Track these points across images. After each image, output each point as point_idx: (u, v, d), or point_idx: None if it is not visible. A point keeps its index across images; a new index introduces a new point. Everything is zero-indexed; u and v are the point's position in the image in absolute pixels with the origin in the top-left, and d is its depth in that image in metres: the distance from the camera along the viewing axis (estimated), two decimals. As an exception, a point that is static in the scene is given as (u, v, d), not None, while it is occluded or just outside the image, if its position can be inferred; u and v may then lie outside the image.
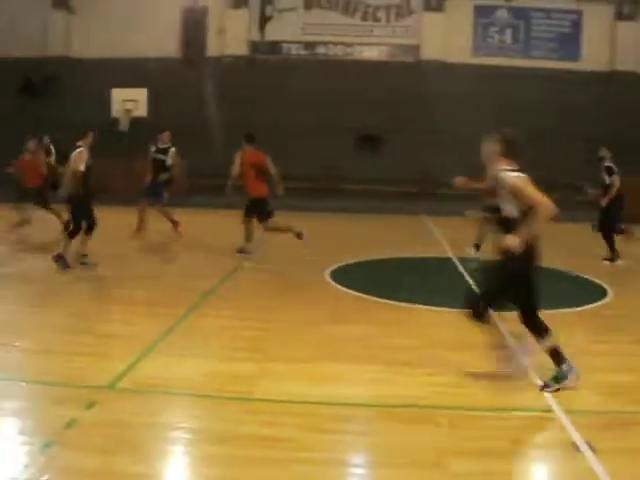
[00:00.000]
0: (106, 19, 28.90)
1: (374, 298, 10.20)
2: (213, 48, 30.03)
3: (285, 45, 30.62)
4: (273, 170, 13.06)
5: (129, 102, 25.03)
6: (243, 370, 7.06)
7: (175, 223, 15.51)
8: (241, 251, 13.35)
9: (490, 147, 6.64)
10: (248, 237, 13.42)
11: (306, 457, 5.25)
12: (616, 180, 13.70)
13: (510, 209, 6.51)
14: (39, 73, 28.16)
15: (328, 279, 11.37)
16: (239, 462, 5.16)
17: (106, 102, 24.96)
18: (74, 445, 5.38)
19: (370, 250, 14.28)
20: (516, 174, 6.49)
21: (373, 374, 7.02)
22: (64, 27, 30.20)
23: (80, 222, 11.82)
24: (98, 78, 26.20)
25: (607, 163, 13.89)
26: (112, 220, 15.63)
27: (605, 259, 13.98)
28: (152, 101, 24.99)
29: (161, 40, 28.65)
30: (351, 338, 8.20)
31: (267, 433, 5.61)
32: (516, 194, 6.41)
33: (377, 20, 30.81)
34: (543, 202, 6.23)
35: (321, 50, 30.67)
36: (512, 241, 6.22)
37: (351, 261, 13.12)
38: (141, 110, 24.92)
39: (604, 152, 14.08)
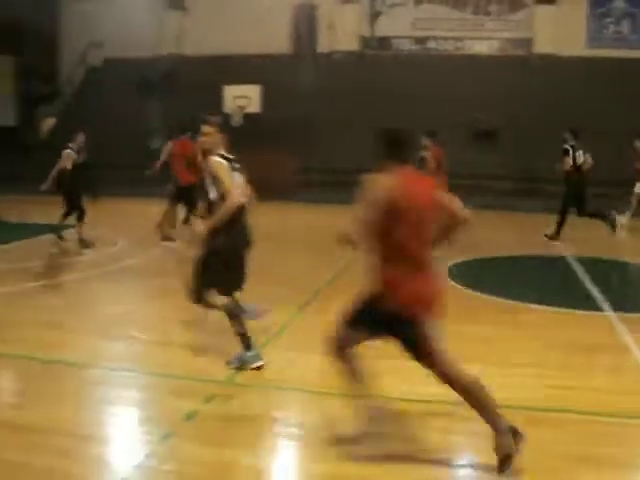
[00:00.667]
0: (218, 17, 29.33)
1: (491, 297, 10.06)
2: (323, 44, 30.16)
3: (395, 40, 30.50)
4: None
5: (241, 98, 25.36)
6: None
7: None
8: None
9: None
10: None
11: (427, 458, 5.24)
12: (568, 162, 14.67)
13: (211, 193, 6.81)
14: (154, 72, 28.84)
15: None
16: (353, 459, 5.18)
17: (219, 99, 25.36)
18: (193, 437, 5.52)
19: (484, 248, 14.09)
20: (219, 159, 6.74)
21: (493, 376, 6.91)
22: (177, 26, 30.82)
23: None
24: (211, 75, 26.65)
25: (565, 145, 14.88)
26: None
27: (547, 235, 15.03)
28: (264, 97, 25.26)
29: (272, 36, 28.93)
30: (471, 338, 8.09)
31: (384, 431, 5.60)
32: (214, 179, 6.72)
33: (488, 14, 30.40)
34: (230, 192, 6.49)
35: (431, 45, 30.44)
36: (199, 227, 6.30)
37: (465, 259, 12.95)
38: (254, 106, 25.22)
39: (567, 135, 15.01)
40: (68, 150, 14.09)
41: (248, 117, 25.26)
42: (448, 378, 5.19)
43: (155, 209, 16.17)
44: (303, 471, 5.14)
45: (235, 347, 7.27)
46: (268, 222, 15.59)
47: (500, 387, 6.57)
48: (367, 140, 17.61)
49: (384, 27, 30.48)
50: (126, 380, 6.85)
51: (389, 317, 5.10)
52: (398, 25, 30.31)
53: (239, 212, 6.93)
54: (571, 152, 14.80)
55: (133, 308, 9.67)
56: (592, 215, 15.01)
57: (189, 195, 13.77)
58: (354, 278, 11.10)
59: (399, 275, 5.10)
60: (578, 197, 14.86)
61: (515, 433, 4.98)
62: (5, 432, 5.66)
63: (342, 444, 5.37)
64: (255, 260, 12.34)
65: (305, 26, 30.38)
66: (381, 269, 5.20)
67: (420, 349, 5.17)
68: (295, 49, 30.40)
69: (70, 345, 7.84)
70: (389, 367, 6.41)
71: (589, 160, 14.96)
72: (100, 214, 18.21)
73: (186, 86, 27.49)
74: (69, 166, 13.93)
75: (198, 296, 7.04)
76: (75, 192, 13.90)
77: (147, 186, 17.79)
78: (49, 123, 30.20)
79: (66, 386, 6.64)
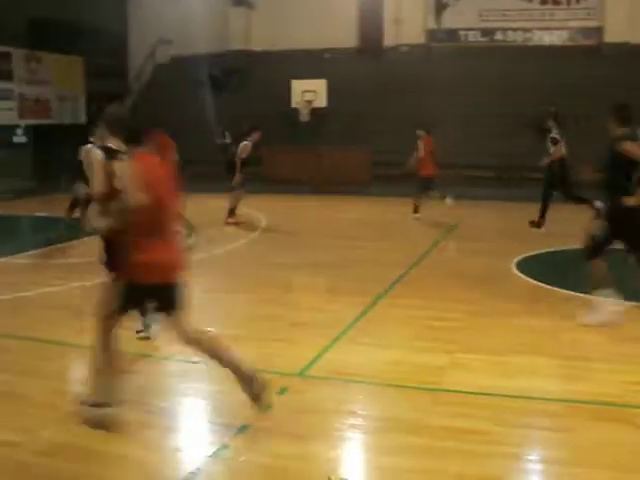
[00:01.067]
0: (284, 12, 29.42)
1: (562, 290, 9.90)
2: (390, 37, 30.02)
3: (462, 32, 30.21)
4: None
5: (309, 93, 25.41)
6: (432, 360, 7.03)
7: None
8: None
9: None
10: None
11: (498, 451, 5.18)
12: (559, 150, 14.71)
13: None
14: (223, 68, 29.07)
15: (514, 270, 11.12)
16: (430, 453, 5.16)
17: (286, 93, 25.45)
18: (268, 429, 5.55)
19: (554, 240, 13.87)
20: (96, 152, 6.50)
21: (564, 369, 6.81)
22: (244, 22, 31.00)
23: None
24: (278, 70, 26.77)
25: (553, 134, 14.89)
26: (300, 208, 16.07)
27: (531, 223, 14.96)
28: (330, 91, 25.26)
29: (338, 31, 28.89)
30: (541, 331, 7.99)
31: (458, 425, 5.57)
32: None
33: (557, 3, 29.88)
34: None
35: (499, 36, 30.06)
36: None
37: (536, 251, 12.75)
38: (321, 100, 25.25)
39: (550, 122, 15.15)
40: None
41: (315, 111, 25.29)
42: (189, 337, 5.85)
43: (223, 204, 16.39)
44: (384, 465, 5.11)
45: (305, 341, 7.32)
46: (340, 215, 15.68)
47: (566, 379, 6.51)
48: (441, 132, 17.49)
49: (450, 19, 30.18)
50: (200, 372, 6.90)
51: (149, 287, 5.61)
52: (465, 17, 29.97)
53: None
54: (559, 141, 14.92)
55: (204, 301, 9.71)
56: (579, 199, 14.66)
57: None
58: (426, 271, 11.15)
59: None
60: (563, 181, 14.83)
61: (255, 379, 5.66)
62: (79, 419, 5.77)
63: (421, 437, 5.36)
64: (330, 253, 12.43)
65: (371, 20, 30.26)
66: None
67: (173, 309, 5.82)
68: (361, 43, 30.32)
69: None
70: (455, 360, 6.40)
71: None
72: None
73: (253, 82, 27.66)
74: None
75: None
76: None
77: (214, 181, 17.97)
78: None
79: (143, 377, 6.75)
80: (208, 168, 21.91)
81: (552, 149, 14.95)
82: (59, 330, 8.26)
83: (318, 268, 11.55)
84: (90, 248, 13.37)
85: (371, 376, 6.63)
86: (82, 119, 28.07)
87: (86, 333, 7.91)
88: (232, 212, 16.15)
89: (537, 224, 14.99)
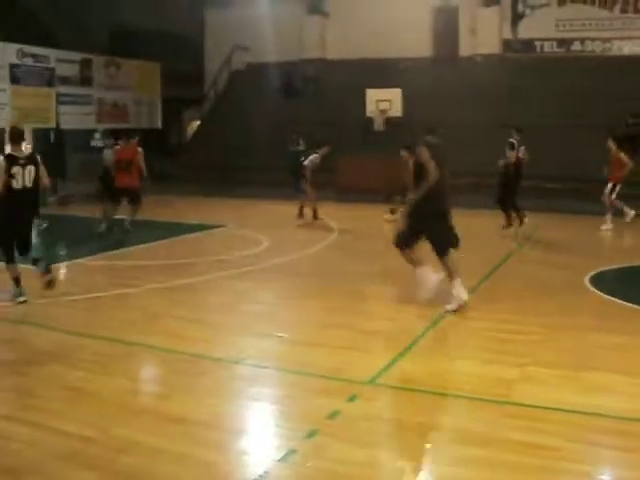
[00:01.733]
0: (358, 21, 29.44)
1: (636, 306, 9.65)
2: (465, 47, 29.82)
3: (538, 42, 29.84)
4: None
5: (383, 102, 25.38)
6: (503, 373, 6.94)
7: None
8: None
9: None
10: None
11: (568, 468, 5.08)
12: (513, 155, 15.55)
13: None
14: (298, 75, 29.26)
15: (587, 284, 10.92)
16: (498, 466, 5.08)
17: (361, 102, 25.47)
18: (337, 436, 5.55)
19: (628, 255, 13.60)
20: None
21: (624, 385, 6.68)
22: (319, 30, 31.15)
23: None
24: (352, 79, 26.78)
25: (511, 140, 15.80)
26: (373, 217, 16.08)
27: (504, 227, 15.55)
28: (405, 101, 25.20)
29: (413, 40, 28.77)
30: (615, 347, 7.81)
31: (527, 439, 5.47)
32: None
33: (638, 12, 29.28)
34: None
35: (577, 47, 29.61)
36: None
37: (611, 266, 12.49)
38: (395, 110, 25.20)
39: (513, 132, 16.08)
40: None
41: (389, 121, 25.27)
42: None
43: (306, 211, 16.50)
44: (452, 476, 5.07)
45: (376, 349, 7.32)
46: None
47: (631, 397, 6.36)
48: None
49: (526, 29, 29.82)
50: (269, 377, 6.97)
51: None
52: (541, 27, 29.57)
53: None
54: (516, 146, 15.71)
55: (275, 308, 9.83)
56: (518, 210, 15.55)
57: None
58: (499, 283, 11.02)
59: None
60: (513, 189, 15.52)
61: None
62: (150, 418, 5.92)
63: (490, 450, 5.31)
64: (402, 262, 12.33)
65: (446, 29, 30.11)
66: None
67: None
68: (436, 53, 30.18)
69: (214, 341, 8.09)
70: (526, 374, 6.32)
71: (526, 156, 16.01)
72: (244, 215, 18.67)
73: (328, 90, 27.77)
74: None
75: None
76: None
77: (287, 188, 18.10)
78: (194, 126, 31.11)
79: (211, 380, 6.82)
80: (282, 175, 22.06)
81: (508, 153, 15.68)
82: (132, 330, 8.42)
83: (390, 277, 11.50)
84: (161, 251, 13.79)
85: (441, 387, 6.60)
86: (158, 124, 28.54)
87: (157, 335, 8.16)
88: (315, 213, 16.77)
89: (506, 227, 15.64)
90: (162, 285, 10.68)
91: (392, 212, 16.72)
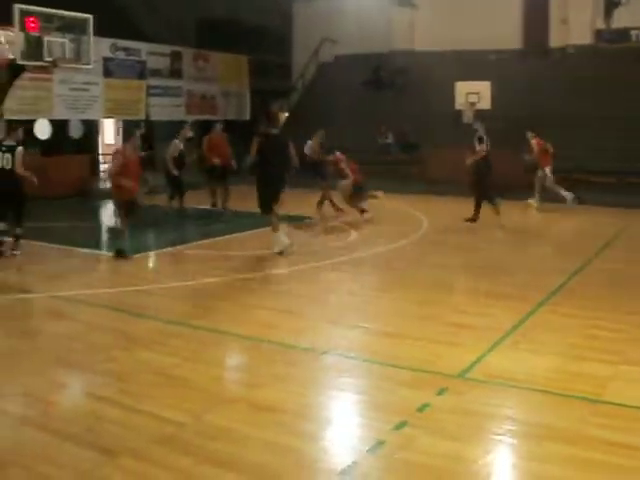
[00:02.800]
0: (447, 12, 29.17)
1: None
2: (556, 38, 29.27)
3: (634, 32, 29.09)
4: None
5: (473, 94, 25.13)
6: (593, 370, 6.82)
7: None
8: None
9: None
10: None
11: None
12: (483, 148, 15.80)
13: None
14: (386, 68, 29.19)
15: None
16: (582, 465, 5.02)
17: (449, 94, 25.27)
18: (426, 428, 5.56)
19: None
20: None
21: None
22: (408, 22, 30.99)
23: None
24: (441, 71, 26.59)
25: (479, 134, 16.46)
26: (461, 210, 15.99)
27: (467, 219, 15.60)
28: (495, 93, 24.90)
29: (502, 32, 28.37)
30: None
31: (616, 438, 5.39)
32: None
33: None
34: None
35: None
36: None
37: None
38: (484, 102, 24.91)
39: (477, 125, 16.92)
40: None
41: (478, 113, 24.98)
42: None
43: (387, 203, 16.48)
44: (534, 472, 5.02)
45: (465, 343, 7.29)
46: (501, 219, 15.46)
47: None
48: (606, 135, 17.03)
49: (621, 18, 29.10)
50: (358, 368, 7.00)
51: None
52: (636, 16, 28.84)
53: None
54: (485, 139, 16.07)
55: (365, 299, 9.87)
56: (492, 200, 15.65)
57: None
58: (589, 279, 10.83)
59: None
60: (486, 182, 15.71)
61: None
62: (240, 406, 6.02)
63: (575, 448, 5.25)
64: (490, 256, 12.28)
65: (536, 20, 29.62)
66: None
67: None
68: (526, 44, 29.72)
69: (305, 331, 8.15)
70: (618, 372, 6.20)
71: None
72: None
73: (417, 82, 27.63)
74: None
75: None
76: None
77: (375, 180, 18.05)
78: (282, 118, 31.30)
79: (301, 370, 6.91)
80: (369, 167, 22.05)
81: (478, 147, 15.94)
82: (223, 319, 8.57)
83: (478, 271, 11.45)
84: (252, 242, 13.95)
85: (530, 382, 6.52)
86: (247, 115, 28.82)
87: (249, 324, 8.28)
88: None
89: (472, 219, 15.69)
90: (253, 275, 10.85)
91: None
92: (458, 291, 10.49)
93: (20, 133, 13.30)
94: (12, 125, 13.54)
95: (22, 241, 12.67)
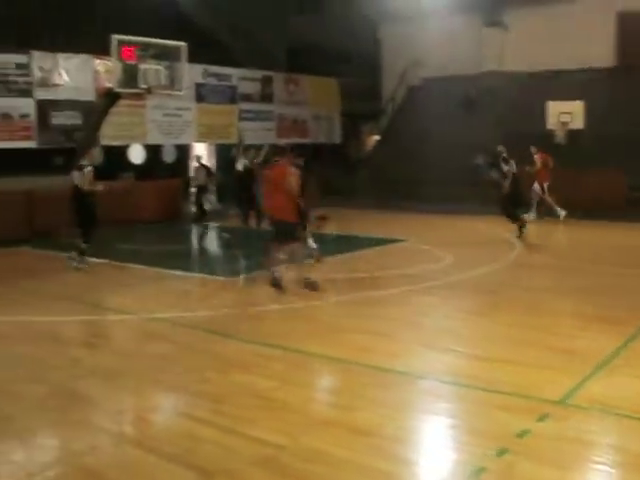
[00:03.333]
0: (538, 32, 28.75)
1: None
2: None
3: None
4: None
5: (565, 114, 24.73)
6: None
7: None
8: None
9: None
10: None
11: None
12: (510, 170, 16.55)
13: None
14: (476, 89, 28.97)
15: None
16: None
17: (541, 115, 24.91)
18: (527, 455, 5.42)
19: None
20: None
21: None
22: (498, 43, 30.69)
23: None
24: (532, 91, 26.29)
25: (504, 155, 16.93)
26: (555, 231, 15.72)
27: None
28: (587, 113, 24.45)
29: (595, 50, 27.82)
30: None
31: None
32: None
33: None
34: None
35: None
36: None
37: None
38: (577, 122, 24.47)
39: (500, 148, 17.34)
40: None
41: (571, 133, 24.59)
42: None
43: (480, 225, 16.27)
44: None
45: (565, 367, 7.10)
46: (596, 239, 15.11)
47: None
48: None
49: None
50: (454, 393, 6.89)
51: None
52: None
53: None
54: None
55: (460, 322, 9.73)
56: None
57: None
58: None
59: None
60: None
61: None
62: (336, 430, 5.97)
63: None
64: (587, 278, 11.98)
65: (630, 37, 28.95)
66: None
67: None
68: (619, 62, 29.09)
69: (399, 354, 8.08)
70: None
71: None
72: (425, 229, 18.64)
73: (507, 103, 27.33)
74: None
75: None
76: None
77: (465, 202, 17.92)
78: (372, 140, 31.38)
79: (396, 394, 6.82)
80: (460, 189, 21.91)
81: (506, 168, 16.70)
82: (318, 342, 8.58)
83: (574, 292, 11.19)
84: (345, 264, 13.95)
85: (634, 410, 6.30)
86: (337, 139, 28.95)
87: (343, 347, 8.24)
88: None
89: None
90: (347, 297, 10.82)
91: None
92: (555, 314, 10.22)
93: (95, 154, 14.69)
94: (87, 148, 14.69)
95: (118, 263, 12.97)
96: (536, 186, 19.89)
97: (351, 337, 8.81)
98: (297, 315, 10.09)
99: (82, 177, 13.56)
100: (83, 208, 13.66)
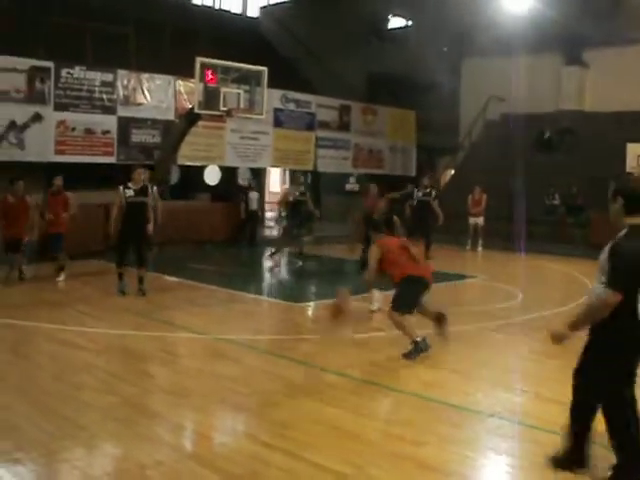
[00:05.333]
0: (620, 72, 28.28)
1: None
2: None
3: None
4: None
5: (647, 157, 24.28)
6: None
7: None
8: None
9: None
10: None
11: None
12: None
13: None
14: (553, 127, 28.65)
15: None
16: None
17: (620, 156, 24.49)
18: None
19: None
20: None
21: None
22: (577, 81, 30.33)
23: None
24: (611, 132, 25.87)
25: None
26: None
27: None
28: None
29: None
30: None
31: None
32: None
33: None
34: None
35: None
36: None
37: None
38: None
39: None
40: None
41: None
42: None
43: (551, 265, 15.98)
44: None
45: None
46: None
47: None
48: None
49: None
50: (525, 433, 6.73)
51: None
52: None
53: None
54: None
55: (532, 363, 9.54)
56: None
57: None
58: None
59: None
60: None
61: None
62: (405, 463, 5.89)
63: None
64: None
65: None
66: None
67: None
68: None
69: (470, 392, 7.96)
70: None
71: None
72: (497, 266, 18.44)
73: (585, 143, 26.94)
74: None
75: None
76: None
77: (542, 241, 17.66)
78: (448, 175, 31.21)
79: (467, 432, 6.71)
80: (535, 227, 21.63)
81: None
82: (387, 374, 8.55)
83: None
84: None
85: None
86: (413, 171, 28.86)
87: (415, 381, 8.14)
88: None
89: None
90: (419, 332, 10.68)
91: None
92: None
93: (141, 178, 13.42)
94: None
95: (190, 282, 13.00)
96: None
97: (421, 371, 8.70)
98: (365, 345, 10.01)
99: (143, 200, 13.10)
100: (141, 233, 13.14)
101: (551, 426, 6.68)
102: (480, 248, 21.91)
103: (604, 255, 5.34)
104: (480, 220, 22.26)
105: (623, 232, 5.32)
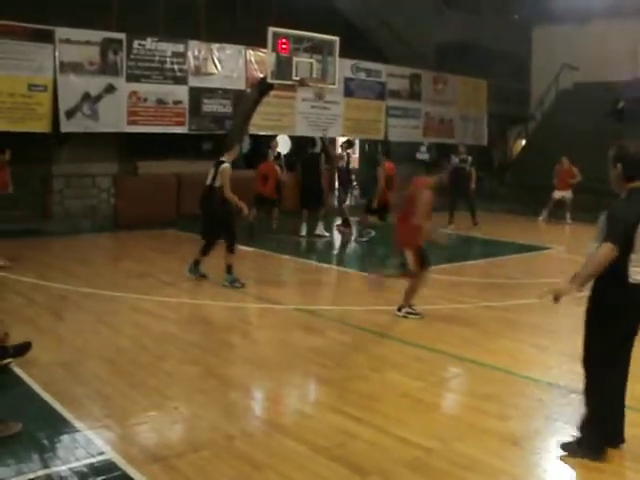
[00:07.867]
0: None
1: None
2: None
3: None
4: None
5: None
6: None
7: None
8: None
9: None
10: None
11: None
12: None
13: None
14: (630, 96, 27.97)
15: None
16: None
17: None
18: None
19: None
20: None
21: None
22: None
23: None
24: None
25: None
26: None
27: None
28: None
29: None
30: None
31: None
32: None
33: None
34: None
35: None
36: None
37: None
38: None
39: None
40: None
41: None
42: None
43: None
44: None
45: None
46: None
47: None
48: None
49: None
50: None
51: None
52: None
53: None
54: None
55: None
56: None
57: None
58: None
59: None
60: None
61: None
62: (489, 437, 5.90)
63: None
64: None
65: None
66: None
67: None
68: None
69: (552, 366, 7.95)
70: None
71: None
72: (571, 238, 18.19)
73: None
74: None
75: None
76: None
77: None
78: (519, 145, 30.78)
79: (549, 407, 6.70)
80: (609, 198, 21.20)
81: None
82: (467, 347, 8.51)
83: None
84: (491, 269, 13.75)
85: None
86: (484, 141, 28.52)
87: (494, 354, 8.11)
88: None
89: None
90: (495, 304, 10.64)
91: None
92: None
93: (237, 151, 12.55)
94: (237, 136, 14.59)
95: (265, 252, 12.98)
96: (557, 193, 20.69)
97: (503, 345, 8.69)
98: (445, 318, 9.95)
99: (218, 175, 11.36)
100: (212, 216, 11.67)
101: (635, 403, 6.60)
102: (570, 221, 21.28)
103: (603, 216, 5.45)
104: (568, 193, 21.56)
105: (623, 195, 5.49)
